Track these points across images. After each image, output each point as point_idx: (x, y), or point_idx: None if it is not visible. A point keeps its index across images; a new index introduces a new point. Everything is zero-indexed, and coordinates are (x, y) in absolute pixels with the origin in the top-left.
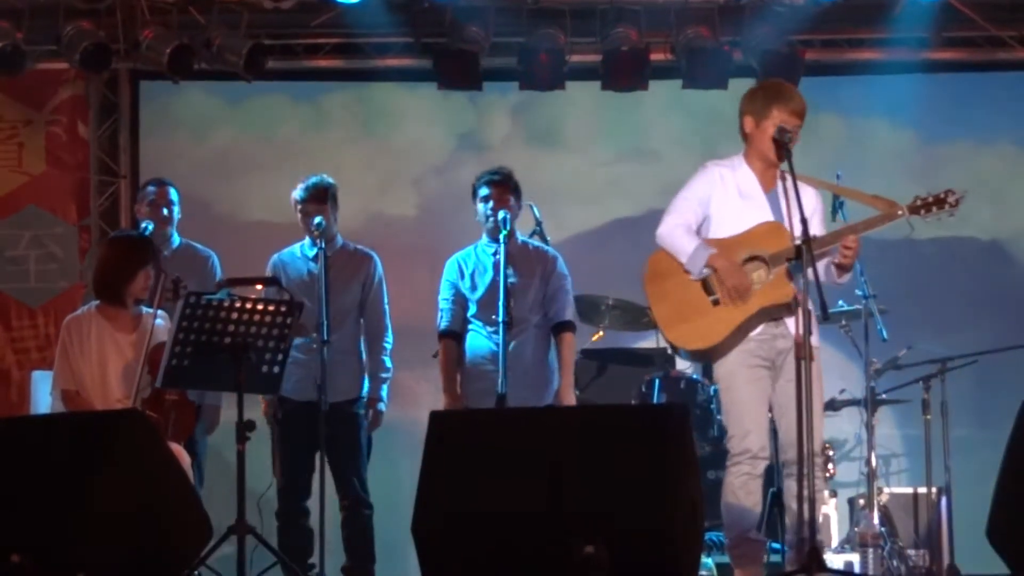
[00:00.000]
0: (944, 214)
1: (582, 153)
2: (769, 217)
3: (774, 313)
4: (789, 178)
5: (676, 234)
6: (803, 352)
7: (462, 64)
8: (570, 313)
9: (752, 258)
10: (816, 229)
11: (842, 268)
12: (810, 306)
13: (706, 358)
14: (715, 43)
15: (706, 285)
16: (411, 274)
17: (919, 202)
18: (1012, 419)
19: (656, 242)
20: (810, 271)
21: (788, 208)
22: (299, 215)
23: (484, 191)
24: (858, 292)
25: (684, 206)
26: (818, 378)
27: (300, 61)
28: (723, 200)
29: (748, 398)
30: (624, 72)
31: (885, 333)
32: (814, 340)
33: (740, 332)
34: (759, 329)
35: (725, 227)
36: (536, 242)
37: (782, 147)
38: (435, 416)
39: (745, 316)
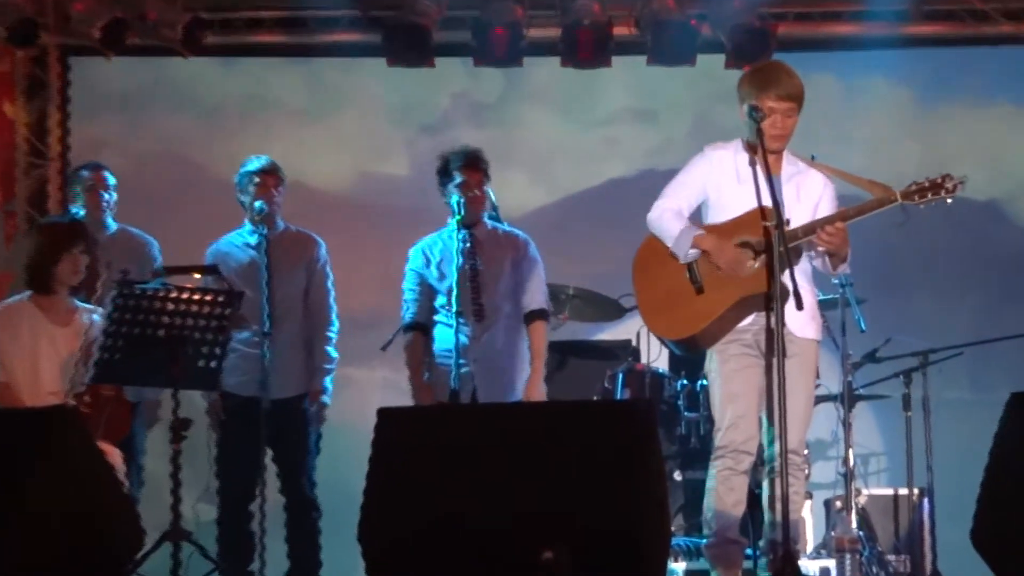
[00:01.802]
0: (941, 200)
1: (577, 113)
2: (767, 203)
3: (755, 304)
4: (797, 162)
5: (664, 218)
6: (776, 344)
7: (413, 39)
8: (543, 300)
9: (743, 244)
10: (826, 214)
11: (835, 257)
12: (814, 295)
13: (691, 349)
14: (681, 16)
15: (691, 272)
16: (402, 237)
17: (914, 187)
18: (998, 416)
19: (647, 227)
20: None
21: (797, 194)
22: (251, 189)
23: (459, 177)
24: (834, 280)
25: (676, 190)
26: (810, 372)
27: (241, 36)
28: (721, 185)
29: (735, 389)
30: (585, 47)
31: (864, 324)
32: (813, 333)
33: (723, 322)
34: (750, 319)
35: (724, 213)
36: (506, 226)
37: (755, 128)
38: (383, 413)
39: (725, 306)
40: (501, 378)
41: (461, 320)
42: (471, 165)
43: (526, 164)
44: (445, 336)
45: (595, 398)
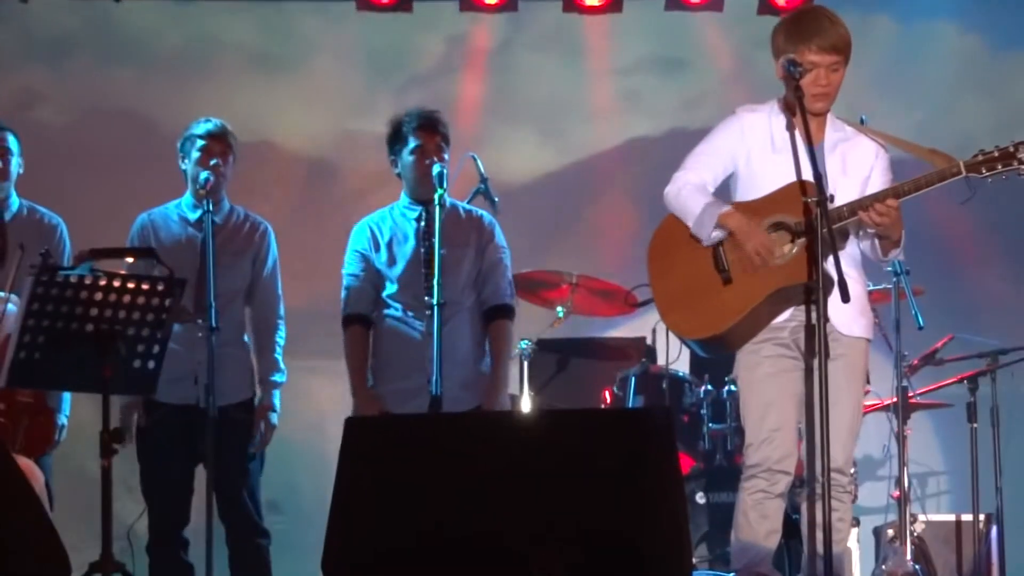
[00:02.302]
0: (1013, 172)
1: (594, 61)
2: (808, 175)
3: (793, 296)
4: (844, 127)
5: (684, 193)
6: (817, 344)
7: None
8: (508, 295)
9: (777, 225)
10: (877, 189)
11: (886, 240)
12: (864, 286)
13: (718, 349)
14: None
15: (717, 258)
16: (386, 199)
17: (981, 157)
18: None
19: (664, 204)
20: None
21: (843, 166)
22: (195, 156)
23: (414, 140)
24: (886, 267)
25: (699, 160)
26: (858, 377)
27: None
28: (752, 154)
29: (770, 398)
30: None
31: (921, 319)
32: (862, 330)
33: (755, 317)
34: (787, 314)
35: (756, 188)
36: (466, 205)
37: (793, 86)
38: (352, 424)
39: (758, 299)
40: (463, 381)
41: (414, 314)
42: (428, 127)
43: (533, 121)
44: (397, 334)
45: (602, 406)
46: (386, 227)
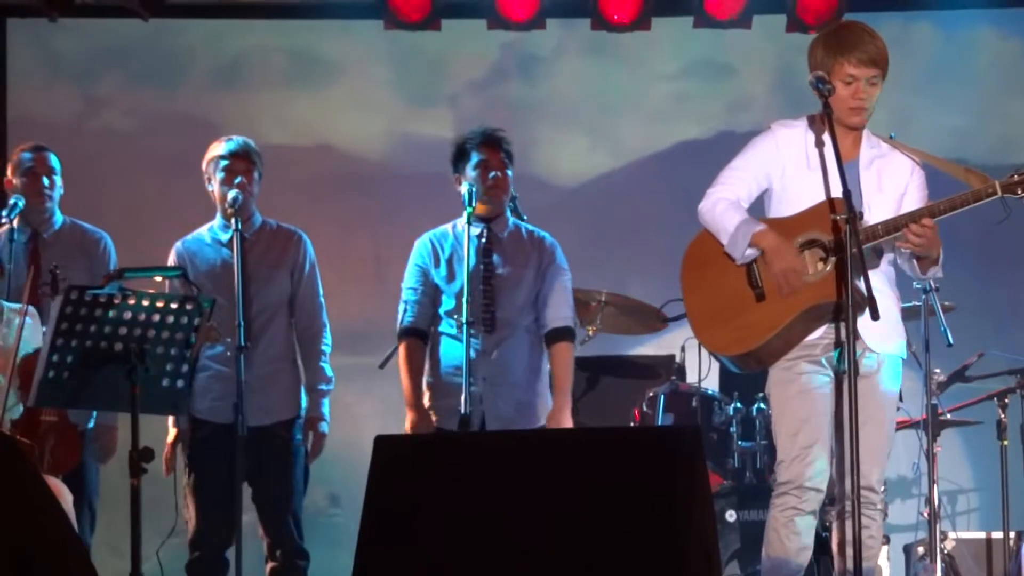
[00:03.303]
0: None
1: (644, 65)
2: (838, 192)
3: (825, 314)
4: (880, 143)
5: (718, 209)
6: (847, 361)
7: None
8: (569, 317)
9: (810, 243)
10: (913, 207)
11: (924, 260)
12: (896, 303)
13: (751, 366)
14: None
15: (751, 274)
16: (450, 209)
17: (1017, 178)
18: None
19: (698, 220)
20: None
21: (879, 182)
22: (219, 177)
23: (477, 155)
24: (916, 284)
25: (733, 176)
26: (891, 396)
27: None
28: (787, 171)
29: (802, 415)
30: (619, 7)
31: (951, 336)
32: (894, 348)
33: (788, 335)
34: (820, 331)
35: (791, 204)
36: (530, 225)
37: (823, 102)
38: (381, 442)
39: (791, 315)
40: (514, 403)
41: (471, 331)
42: (491, 143)
43: (584, 124)
44: (451, 350)
45: (631, 424)
46: (447, 243)
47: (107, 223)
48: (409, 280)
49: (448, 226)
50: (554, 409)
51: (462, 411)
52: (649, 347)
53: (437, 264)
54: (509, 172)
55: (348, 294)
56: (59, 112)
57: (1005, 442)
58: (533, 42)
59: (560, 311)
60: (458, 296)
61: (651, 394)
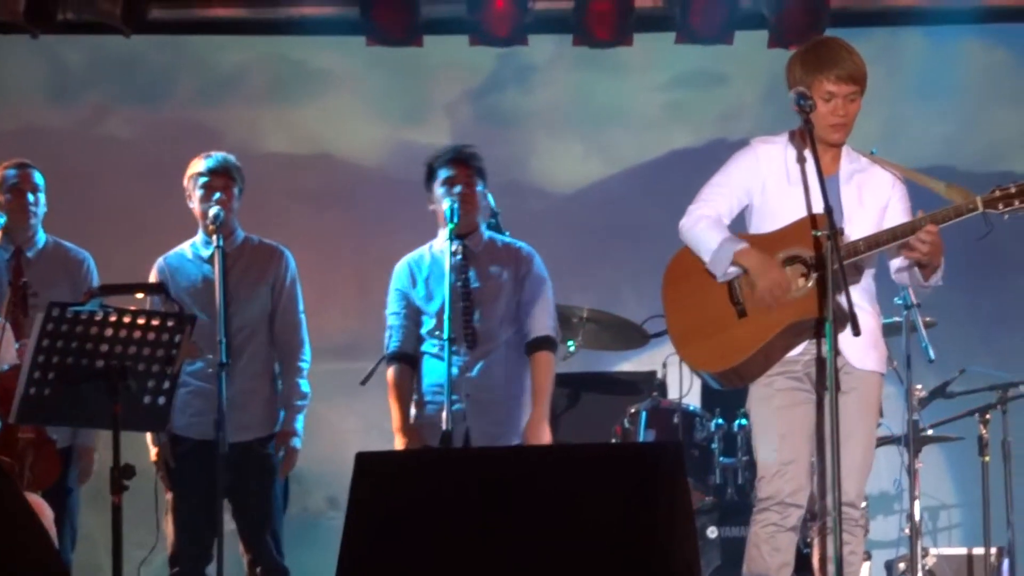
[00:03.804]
0: None
1: (639, 74)
2: (820, 208)
3: (807, 330)
4: (860, 158)
5: (700, 227)
6: (829, 378)
7: (397, 13)
8: (550, 326)
9: (792, 259)
10: (896, 221)
11: (926, 267)
12: (877, 319)
13: (732, 382)
14: None
15: (732, 291)
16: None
17: (999, 193)
18: None
19: (679, 237)
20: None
21: (860, 197)
22: (198, 193)
23: (445, 172)
24: (897, 300)
25: (714, 193)
26: (871, 410)
27: (192, 10)
28: (768, 187)
29: (782, 431)
30: (602, 23)
31: (932, 352)
32: (874, 364)
33: (769, 351)
34: (801, 347)
35: (771, 220)
36: (506, 237)
37: (804, 118)
38: (363, 459)
39: (773, 332)
40: (499, 418)
41: (453, 349)
42: (458, 160)
43: (579, 132)
44: (434, 368)
45: (613, 440)
46: (424, 264)
47: (95, 235)
48: (391, 306)
49: (424, 248)
50: (531, 420)
51: (444, 426)
52: (631, 363)
53: (415, 285)
54: (480, 188)
55: (351, 300)
56: (53, 124)
57: (986, 458)
58: (528, 52)
59: (540, 320)
60: (438, 314)
61: (632, 410)
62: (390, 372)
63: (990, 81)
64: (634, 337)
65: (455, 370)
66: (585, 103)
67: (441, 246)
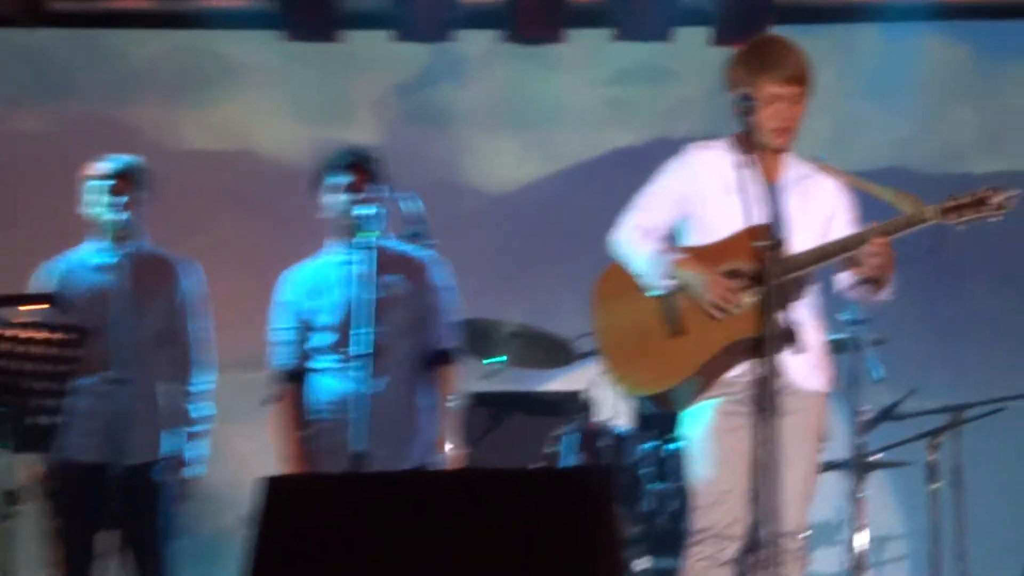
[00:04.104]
0: (986, 218)
1: (578, 70)
2: (763, 218)
3: (747, 349)
4: (803, 165)
5: (632, 239)
6: (768, 399)
7: (316, 7)
8: (448, 338)
9: (732, 273)
10: (843, 231)
11: (876, 282)
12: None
13: (666, 405)
14: None
15: (667, 308)
16: None
17: (951, 203)
18: None
19: (609, 252)
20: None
21: (804, 205)
22: (99, 199)
23: (338, 178)
24: (843, 316)
25: (649, 203)
26: (813, 434)
27: (95, 2)
28: (706, 196)
29: (720, 457)
30: (534, 18)
31: (879, 371)
32: (819, 384)
33: (708, 372)
34: (741, 368)
35: (710, 231)
36: (402, 244)
37: (747, 122)
38: (272, 484)
39: (712, 352)
40: (397, 438)
41: (341, 365)
42: (355, 164)
43: (516, 130)
44: (329, 385)
45: (538, 464)
46: (312, 276)
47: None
48: (277, 321)
49: (314, 259)
50: (441, 439)
51: (351, 448)
52: (559, 381)
53: (303, 298)
54: (380, 194)
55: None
56: None
57: (936, 485)
58: (460, 47)
59: (442, 332)
60: (338, 328)
61: (558, 433)
62: (280, 391)
63: (949, 79)
64: (563, 354)
65: (357, 386)
66: (522, 100)
67: (336, 255)
